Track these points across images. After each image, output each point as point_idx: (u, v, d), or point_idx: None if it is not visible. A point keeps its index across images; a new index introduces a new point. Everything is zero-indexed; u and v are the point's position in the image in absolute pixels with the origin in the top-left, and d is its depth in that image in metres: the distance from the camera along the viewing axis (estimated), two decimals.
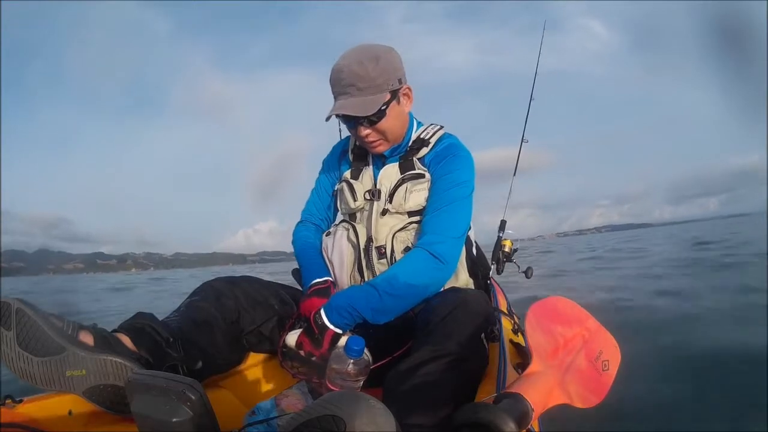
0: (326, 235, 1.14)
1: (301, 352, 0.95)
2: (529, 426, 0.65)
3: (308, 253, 1.14)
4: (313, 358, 0.93)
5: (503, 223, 1.76)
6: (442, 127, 1.15)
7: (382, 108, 1.00)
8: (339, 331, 0.92)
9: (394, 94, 1.02)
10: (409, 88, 1.07)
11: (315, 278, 1.06)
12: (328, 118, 1.01)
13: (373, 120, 1.01)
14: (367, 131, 1.03)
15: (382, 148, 1.08)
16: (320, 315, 0.93)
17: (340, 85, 1.00)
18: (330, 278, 1.07)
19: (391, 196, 1.07)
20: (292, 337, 0.97)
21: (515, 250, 1.65)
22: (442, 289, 1.03)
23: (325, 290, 1.03)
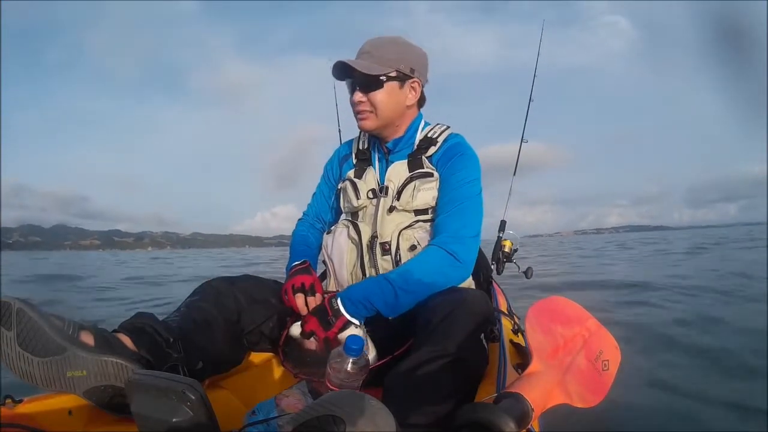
0: (326, 234, 1.16)
1: (307, 342, 0.95)
2: (529, 426, 0.65)
3: (296, 243, 1.21)
4: (313, 338, 0.93)
5: (503, 224, 1.76)
6: (449, 126, 1.16)
7: (381, 78, 1.02)
8: (354, 321, 0.92)
9: (401, 77, 1.05)
10: (418, 83, 1.09)
11: (294, 262, 1.11)
12: (334, 72, 1.07)
13: (369, 87, 1.03)
14: (360, 97, 1.05)
15: (369, 123, 1.08)
16: (337, 301, 0.94)
17: (358, 53, 1.07)
18: (308, 259, 1.12)
19: (399, 193, 1.08)
20: (297, 329, 0.97)
21: (515, 250, 1.66)
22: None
23: (306, 269, 1.07)
